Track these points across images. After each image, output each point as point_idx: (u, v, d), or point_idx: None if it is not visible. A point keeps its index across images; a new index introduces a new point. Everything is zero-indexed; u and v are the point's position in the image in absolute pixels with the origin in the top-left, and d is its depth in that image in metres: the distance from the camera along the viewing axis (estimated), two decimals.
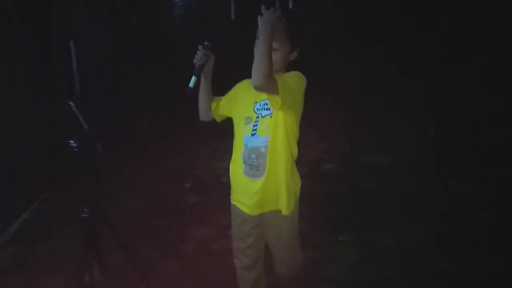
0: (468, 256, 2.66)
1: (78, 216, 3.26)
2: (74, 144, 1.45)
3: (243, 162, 1.82)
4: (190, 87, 1.74)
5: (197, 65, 1.76)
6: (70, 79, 4.72)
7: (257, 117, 1.78)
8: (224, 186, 3.81)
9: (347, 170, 3.97)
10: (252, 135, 1.78)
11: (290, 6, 1.83)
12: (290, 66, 1.86)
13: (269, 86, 1.57)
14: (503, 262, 2.56)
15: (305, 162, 4.13)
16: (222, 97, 2.00)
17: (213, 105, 1.97)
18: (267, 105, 1.74)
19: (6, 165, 3.11)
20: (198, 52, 1.77)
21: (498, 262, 2.57)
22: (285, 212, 1.87)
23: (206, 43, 1.77)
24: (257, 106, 1.79)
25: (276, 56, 1.70)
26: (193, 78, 1.74)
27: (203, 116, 2.00)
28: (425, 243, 2.81)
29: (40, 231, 3.12)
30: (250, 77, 1.58)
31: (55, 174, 3.53)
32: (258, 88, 1.58)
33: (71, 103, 1.45)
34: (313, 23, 6.53)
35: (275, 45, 1.65)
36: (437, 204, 3.26)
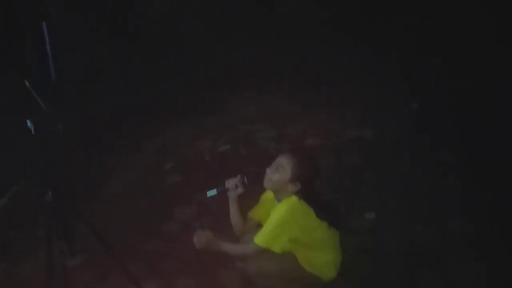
0: (449, 226, 2.67)
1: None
2: (30, 125, 1.38)
3: None
4: (208, 196, 2.04)
5: (226, 188, 2.05)
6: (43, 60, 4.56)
7: None
8: (206, 165, 3.83)
9: (331, 144, 3.94)
10: None
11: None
12: None
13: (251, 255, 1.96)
14: (480, 231, 2.57)
15: (289, 137, 4.11)
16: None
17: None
18: None
19: None
20: (234, 179, 2.06)
21: (476, 231, 2.58)
22: None
23: (245, 179, 2.05)
24: None
25: (276, 176, 1.97)
26: (215, 192, 2.03)
27: (239, 233, 2.18)
28: (407, 216, 2.80)
29: (14, 217, 3.08)
30: None
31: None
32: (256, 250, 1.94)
33: (26, 82, 1.37)
34: None
35: (278, 166, 1.96)
36: (421, 176, 3.25)
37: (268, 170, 2.00)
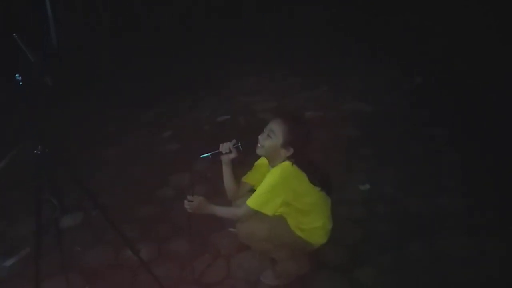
0: (442, 200, 2.68)
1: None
2: (18, 78, 1.38)
3: None
4: (201, 157, 2.04)
5: (219, 151, 2.04)
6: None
7: None
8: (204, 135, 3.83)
9: (330, 117, 3.93)
10: None
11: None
12: None
13: (244, 217, 1.97)
14: (476, 202, 2.58)
15: (289, 109, 4.09)
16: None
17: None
18: None
19: None
20: (228, 143, 2.04)
21: (471, 203, 2.59)
22: None
23: (239, 144, 2.03)
24: None
25: (268, 142, 1.95)
26: (209, 155, 2.03)
27: (232, 197, 2.20)
28: (402, 188, 2.81)
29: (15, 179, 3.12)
30: None
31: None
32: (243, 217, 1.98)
33: (14, 34, 1.37)
34: None
35: (269, 132, 1.94)
36: (417, 150, 3.24)
37: (260, 137, 1.98)
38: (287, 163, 1.95)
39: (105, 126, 4.11)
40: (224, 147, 2.05)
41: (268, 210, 1.92)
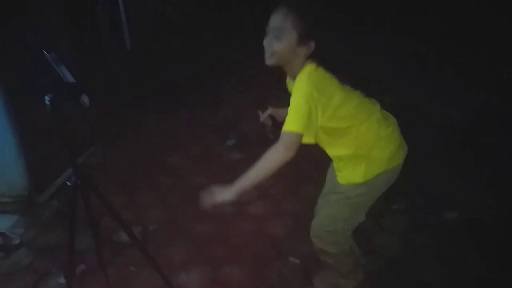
0: None
1: (115, 172, 3.24)
2: (48, 101, 1.24)
3: None
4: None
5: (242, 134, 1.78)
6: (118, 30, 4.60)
7: None
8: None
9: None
10: None
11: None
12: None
13: (288, 154, 1.46)
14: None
15: None
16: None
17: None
18: None
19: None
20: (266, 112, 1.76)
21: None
22: (339, 179, 1.75)
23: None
24: None
25: (279, 45, 1.47)
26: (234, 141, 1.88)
27: None
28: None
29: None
30: None
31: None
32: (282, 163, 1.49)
33: (45, 52, 1.22)
34: None
35: (276, 32, 1.45)
36: None
37: (265, 43, 1.50)
38: (310, 66, 1.50)
39: (164, 131, 3.99)
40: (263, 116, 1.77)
41: (311, 128, 1.45)
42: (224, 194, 1.51)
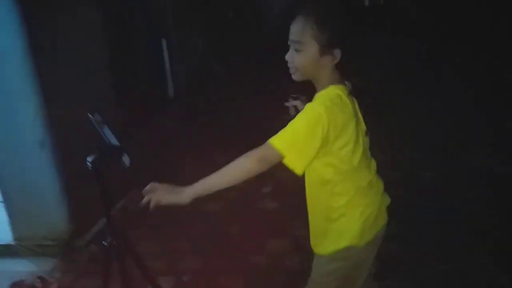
0: None
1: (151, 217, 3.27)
2: (89, 163, 1.28)
3: None
4: None
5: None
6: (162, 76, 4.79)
7: None
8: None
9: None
10: None
11: None
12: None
13: (258, 167, 1.29)
14: None
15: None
16: None
17: None
18: None
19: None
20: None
21: None
22: (314, 249, 1.56)
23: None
24: None
25: (300, 59, 1.33)
26: None
27: None
28: None
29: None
30: None
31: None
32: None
33: (89, 115, 1.28)
34: None
35: (296, 44, 1.32)
36: None
37: (287, 57, 1.36)
38: (337, 89, 1.33)
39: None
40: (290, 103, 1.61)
41: (303, 157, 1.27)
42: (177, 196, 1.32)
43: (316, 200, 1.48)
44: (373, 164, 1.51)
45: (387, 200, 1.55)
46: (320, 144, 1.25)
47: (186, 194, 1.31)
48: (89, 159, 1.30)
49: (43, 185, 2.87)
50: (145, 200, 1.30)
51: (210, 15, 5.62)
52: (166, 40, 4.72)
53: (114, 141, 1.35)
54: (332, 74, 1.35)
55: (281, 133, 1.27)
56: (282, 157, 1.25)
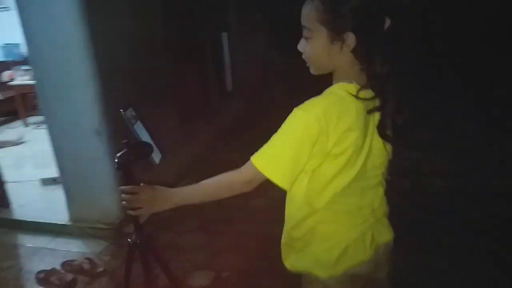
0: None
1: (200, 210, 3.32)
2: (116, 160, 1.28)
3: None
4: None
5: None
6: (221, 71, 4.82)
7: None
8: None
9: None
10: None
11: None
12: None
13: (245, 189, 1.19)
14: None
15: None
16: None
17: None
18: None
19: None
20: None
21: None
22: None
23: None
24: None
25: (309, 48, 1.15)
26: None
27: None
28: None
29: None
30: None
31: None
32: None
33: (121, 111, 1.28)
34: None
35: (305, 32, 1.15)
36: None
37: (299, 47, 1.20)
38: (345, 87, 1.13)
39: None
40: None
41: (290, 174, 1.14)
42: (164, 205, 1.23)
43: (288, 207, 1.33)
44: (374, 192, 1.29)
45: (384, 237, 1.36)
46: (307, 157, 1.11)
47: (175, 201, 1.23)
48: (118, 155, 1.29)
49: (98, 172, 3.00)
50: (133, 213, 1.28)
51: (272, 9, 5.56)
52: (227, 33, 4.73)
53: (145, 137, 1.34)
54: (352, 67, 1.14)
55: (264, 150, 1.18)
56: (264, 178, 1.14)
